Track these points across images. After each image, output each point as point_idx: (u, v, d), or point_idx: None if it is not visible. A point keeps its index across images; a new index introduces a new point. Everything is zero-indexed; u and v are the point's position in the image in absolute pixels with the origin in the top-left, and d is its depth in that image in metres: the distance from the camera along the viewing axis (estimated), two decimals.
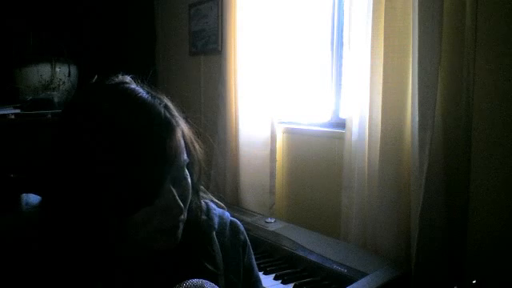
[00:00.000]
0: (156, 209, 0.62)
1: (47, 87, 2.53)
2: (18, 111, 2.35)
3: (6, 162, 2.12)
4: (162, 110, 0.64)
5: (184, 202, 0.66)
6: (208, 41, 2.62)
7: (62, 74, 2.59)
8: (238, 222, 0.83)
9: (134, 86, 0.66)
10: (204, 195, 0.79)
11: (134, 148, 0.59)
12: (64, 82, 2.59)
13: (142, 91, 0.65)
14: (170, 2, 3.03)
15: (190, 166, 0.69)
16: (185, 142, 0.67)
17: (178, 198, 0.64)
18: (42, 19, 2.64)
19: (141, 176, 0.59)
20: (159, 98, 0.65)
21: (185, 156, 0.66)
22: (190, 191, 0.68)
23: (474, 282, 0.92)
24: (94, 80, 0.69)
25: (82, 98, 0.66)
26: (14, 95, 2.49)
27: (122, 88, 0.65)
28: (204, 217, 0.76)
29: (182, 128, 0.67)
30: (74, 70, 2.63)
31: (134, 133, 0.60)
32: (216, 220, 0.77)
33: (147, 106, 0.63)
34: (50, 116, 2.34)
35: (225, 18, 2.25)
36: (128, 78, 0.68)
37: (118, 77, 0.68)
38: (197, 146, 0.72)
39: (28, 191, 0.73)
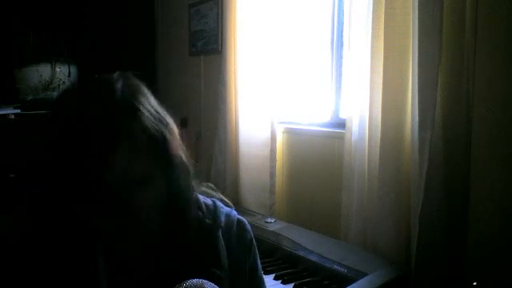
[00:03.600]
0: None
1: (47, 87, 2.54)
2: (18, 111, 2.35)
3: (6, 162, 2.12)
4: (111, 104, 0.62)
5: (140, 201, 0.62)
6: (208, 41, 2.62)
7: (62, 74, 2.59)
8: (245, 221, 0.83)
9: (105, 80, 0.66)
10: (213, 193, 0.79)
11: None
12: (64, 82, 2.59)
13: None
14: (170, 1, 3.03)
15: (169, 169, 0.66)
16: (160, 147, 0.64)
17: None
18: (42, 19, 2.64)
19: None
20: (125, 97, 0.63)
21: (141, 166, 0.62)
22: (152, 197, 0.64)
23: (474, 284, 0.92)
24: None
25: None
26: (14, 95, 2.49)
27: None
28: (209, 218, 0.75)
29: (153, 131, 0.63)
30: (74, 69, 2.63)
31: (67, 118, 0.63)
32: (222, 218, 0.77)
33: (93, 96, 0.63)
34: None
35: (225, 18, 2.25)
36: (117, 74, 0.67)
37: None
38: (179, 152, 0.68)
39: (28, 191, 0.73)
